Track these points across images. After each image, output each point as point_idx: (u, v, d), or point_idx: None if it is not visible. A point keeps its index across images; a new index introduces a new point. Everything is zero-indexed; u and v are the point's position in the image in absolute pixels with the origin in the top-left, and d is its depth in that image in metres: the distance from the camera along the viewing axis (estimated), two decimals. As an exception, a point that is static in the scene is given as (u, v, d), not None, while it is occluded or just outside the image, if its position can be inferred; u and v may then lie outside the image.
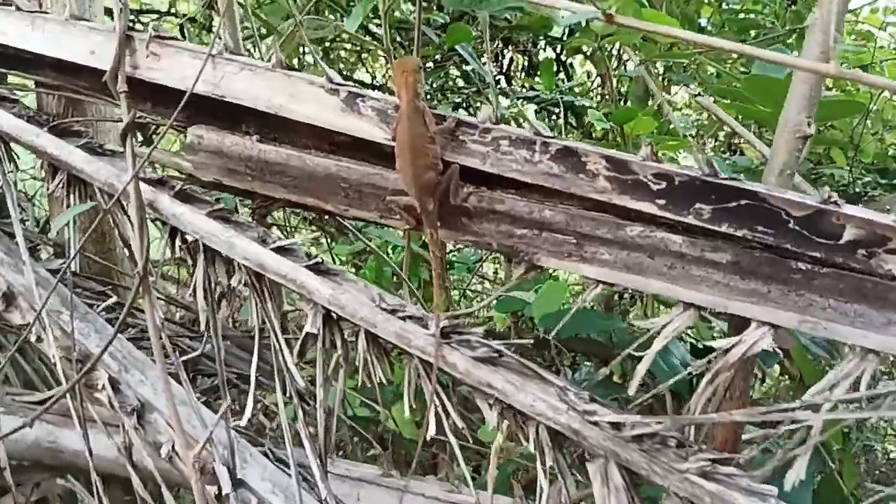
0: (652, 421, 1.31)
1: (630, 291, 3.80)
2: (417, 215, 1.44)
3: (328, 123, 1.45)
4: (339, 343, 1.50)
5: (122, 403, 1.59)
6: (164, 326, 1.61)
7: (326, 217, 1.68)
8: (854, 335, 1.26)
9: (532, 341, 1.42)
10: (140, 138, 1.86)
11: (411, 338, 1.41)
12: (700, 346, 3.38)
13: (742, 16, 3.86)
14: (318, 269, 1.50)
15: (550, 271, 3.78)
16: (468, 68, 3.20)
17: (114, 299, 1.85)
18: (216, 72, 1.50)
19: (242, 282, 1.55)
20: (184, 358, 1.73)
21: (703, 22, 3.98)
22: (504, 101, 4.19)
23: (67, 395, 1.58)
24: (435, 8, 3.66)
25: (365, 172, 1.46)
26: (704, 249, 1.30)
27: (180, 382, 1.58)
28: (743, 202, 1.27)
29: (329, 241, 3.29)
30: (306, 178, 1.51)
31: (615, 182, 1.32)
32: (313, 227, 3.30)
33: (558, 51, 4.38)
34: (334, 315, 1.49)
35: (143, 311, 1.55)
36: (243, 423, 1.54)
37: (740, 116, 2.60)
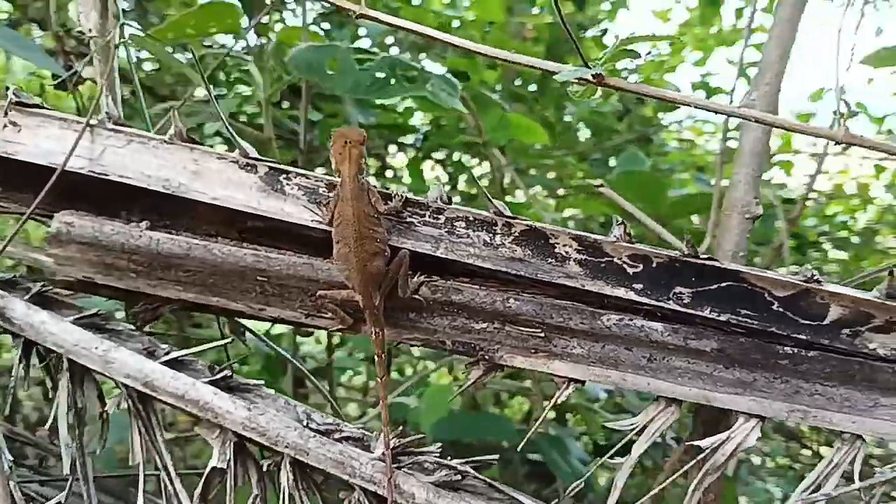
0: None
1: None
2: (354, 313, 1.21)
3: (243, 205, 1.19)
4: (254, 480, 1.19)
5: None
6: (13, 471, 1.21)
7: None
8: (843, 421, 1.17)
9: (497, 458, 1.19)
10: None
11: (355, 465, 1.14)
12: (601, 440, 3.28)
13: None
14: (226, 385, 1.20)
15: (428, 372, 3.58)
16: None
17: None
18: (94, 145, 1.21)
19: (120, 406, 1.21)
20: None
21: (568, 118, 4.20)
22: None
23: None
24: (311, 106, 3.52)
25: (290, 263, 1.21)
26: (688, 337, 1.18)
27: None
28: (724, 284, 1.17)
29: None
30: (210, 272, 1.22)
31: (587, 266, 1.18)
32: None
33: (412, 155, 4.42)
34: (247, 443, 1.19)
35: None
36: None
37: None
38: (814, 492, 1.18)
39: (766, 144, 1.43)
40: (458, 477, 1.15)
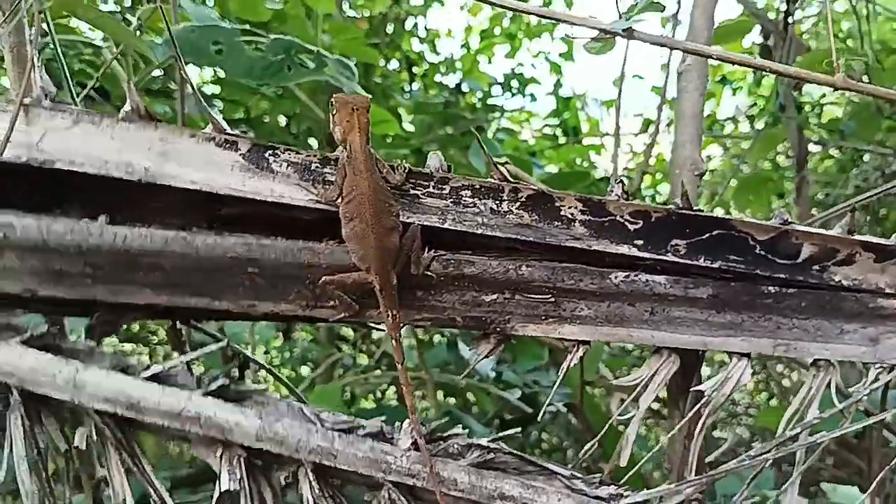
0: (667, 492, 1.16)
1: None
2: (359, 298, 1.11)
3: (226, 188, 1.05)
4: (269, 497, 1.06)
5: None
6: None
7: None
8: (818, 350, 1.28)
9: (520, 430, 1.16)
10: None
11: (389, 460, 1.05)
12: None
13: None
14: (225, 395, 1.05)
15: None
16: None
17: None
18: (31, 128, 1.00)
19: (94, 437, 1.02)
20: None
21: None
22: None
23: None
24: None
25: (287, 249, 1.08)
26: (688, 287, 1.22)
27: None
28: (715, 232, 1.22)
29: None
30: (190, 269, 1.07)
31: (592, 226, 1.18)
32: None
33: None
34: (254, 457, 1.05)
35: None
36: None
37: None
38: (799, 420, 1.27)
39: (703, 107, 1.52)
40: (491, 456, 1.11)
